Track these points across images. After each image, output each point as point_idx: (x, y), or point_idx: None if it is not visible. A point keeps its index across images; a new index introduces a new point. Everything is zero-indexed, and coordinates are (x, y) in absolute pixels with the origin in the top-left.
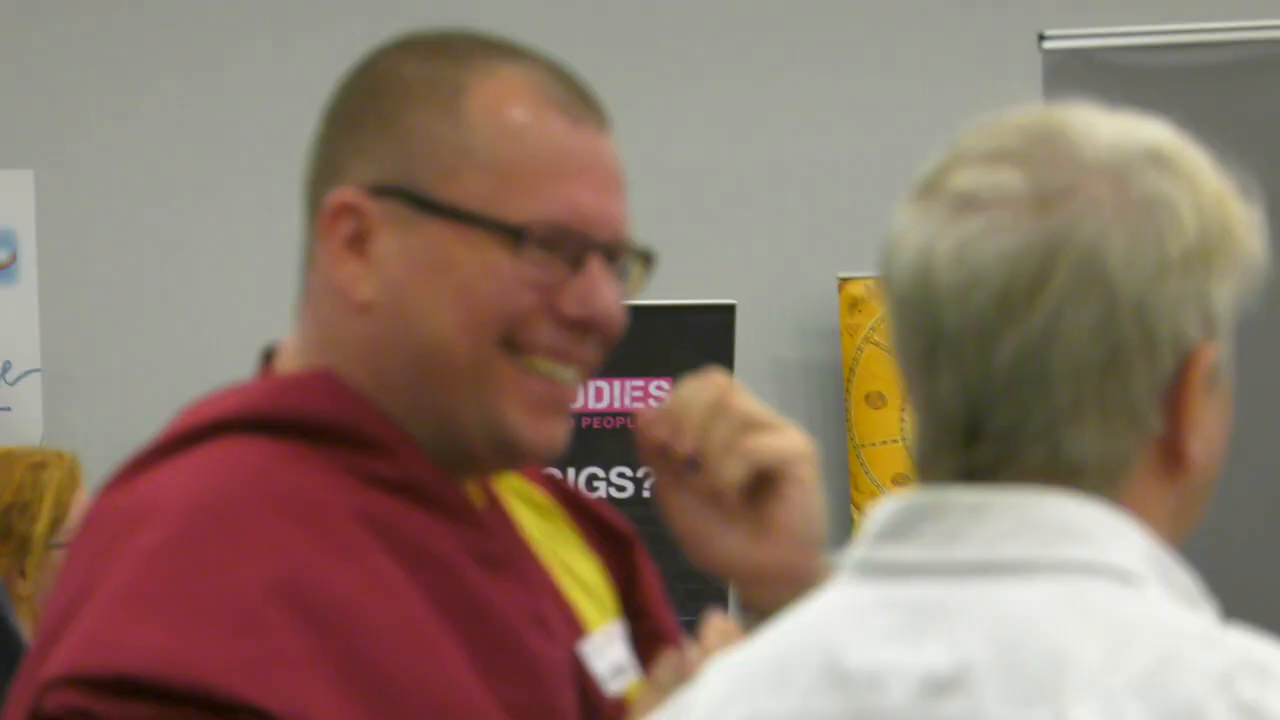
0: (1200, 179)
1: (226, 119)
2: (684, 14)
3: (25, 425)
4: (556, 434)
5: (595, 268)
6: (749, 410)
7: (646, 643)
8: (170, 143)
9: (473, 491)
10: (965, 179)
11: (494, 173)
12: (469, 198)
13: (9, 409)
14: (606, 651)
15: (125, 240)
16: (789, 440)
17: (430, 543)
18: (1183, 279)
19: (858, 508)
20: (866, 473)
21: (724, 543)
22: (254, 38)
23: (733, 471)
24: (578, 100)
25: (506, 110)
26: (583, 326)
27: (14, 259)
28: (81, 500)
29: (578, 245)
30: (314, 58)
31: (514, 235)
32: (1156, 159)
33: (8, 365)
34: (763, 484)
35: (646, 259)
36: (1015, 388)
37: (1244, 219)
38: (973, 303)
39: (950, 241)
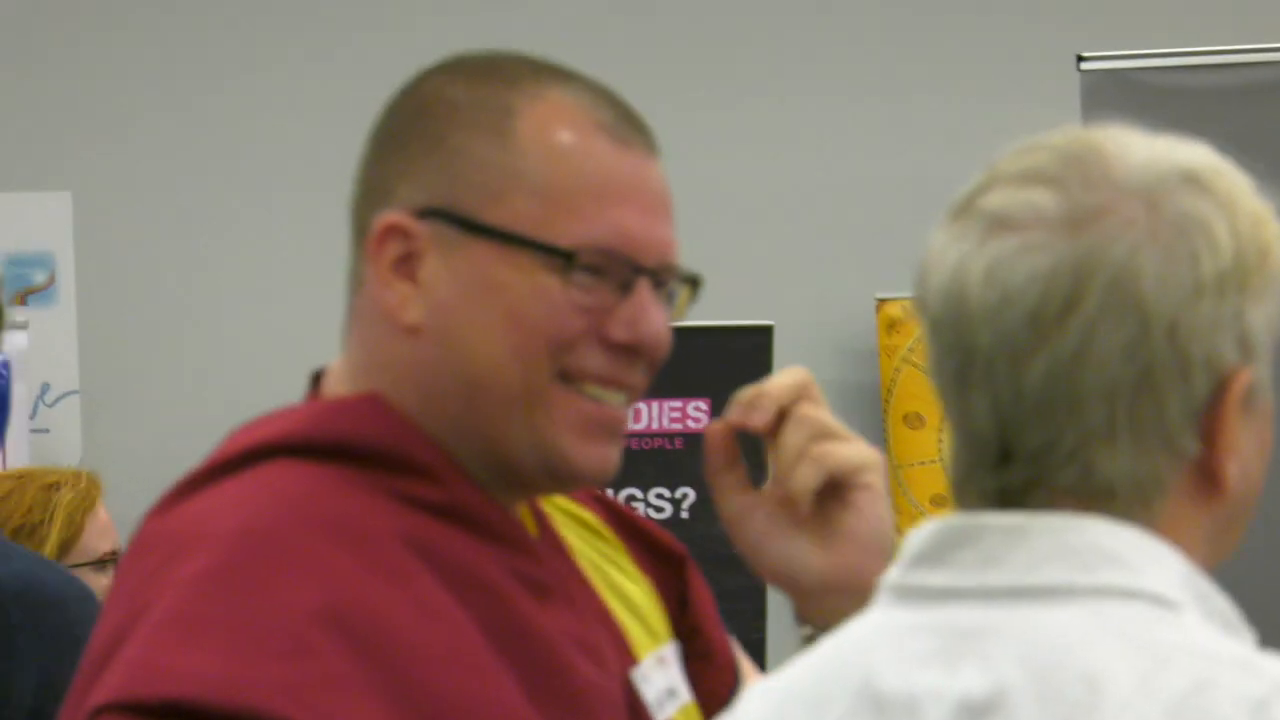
0: (1237, 201)
1: (265, 141)
2: (722, 35)
3: (63, 447)
4: (609, 458)
5: (643, 292)
6: (821, 418)
7: (698, 662)
8: (208, 164)
9: (523, 515)
10: (999, 199)
11: (542, 196)
12: (517, 221)
13: (47, 430)
14: (656, 677)
15: (163, 262)
16: (859, 449)
17: (478, 568)
18: (1217, 301)
19: (896, 528)
20: (905, 493)
21: (791, 553)
22: (293, 59)
23: (806, 477)
24: (626, 124)
25: (555, 134)
26: (630, 351)
27: (52, 281)
28: (100, 519)
29: (626, 269)
30: (354, 79)
31: (563, 259)
32: (1192, 180)
33: (46, 387)
34: (832, 492)
35: (693, 283)
36: (1046, 408)
37: None
38: (1004, 322)
39: (983, 261)
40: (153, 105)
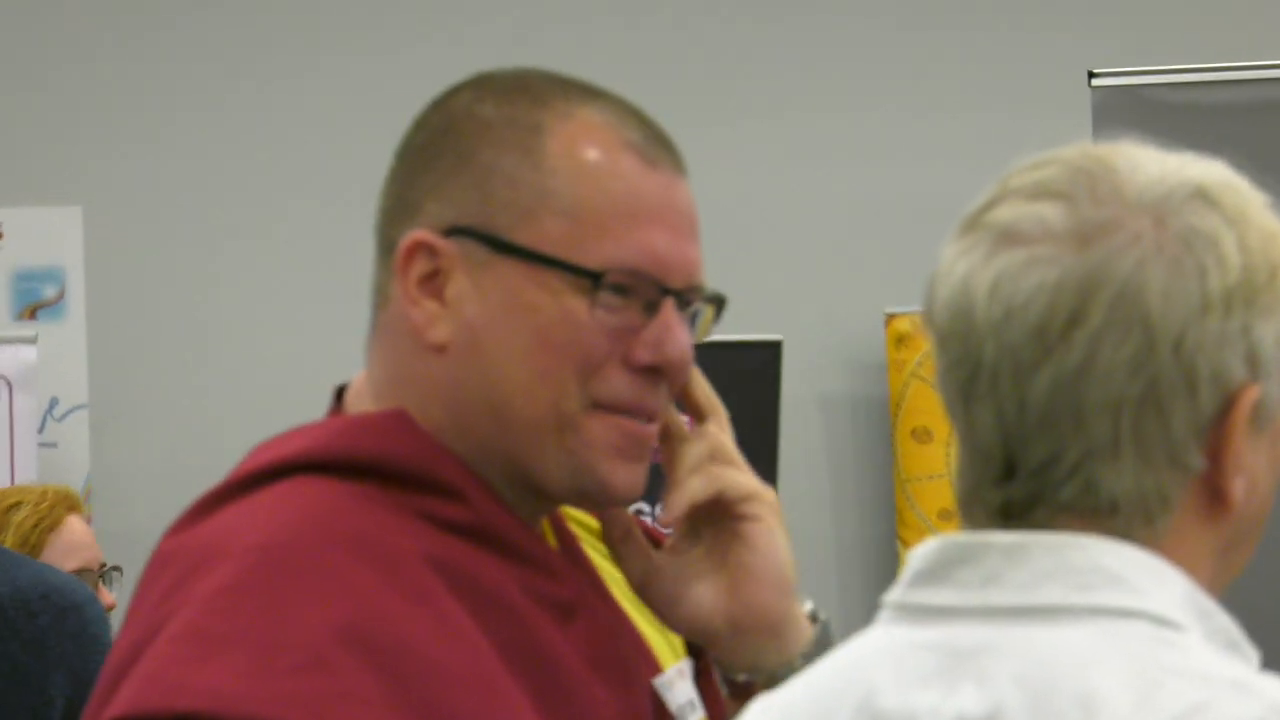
0: (1247, 216)
1: (276, 156)
2: (732, 50)
3: (72, 461)
4: (640, 476)
5: (669, 313)
6: (725, 442)
7: (706, 677)
8: (218, 178)
9: (547, 533)
10: (1007, 213)
11: (572, 216)
12: (545, 240)
13: (55, 445)
14: (679, 687)
15: (173, 276)
16: (753, 480)
17: (498, 589)
18: (1225, 317)
19: (904, 542)
20: (912, 507)
21: (699, 601)
22: (305, 74)
23: (696, 489)
24: (655, 143)
25: (584, 153)
26: (654, 372)
27: (62, 295)
28: (66, 537)
29: (653, 290)
30: (366, 93)
31: (591, 280)
32: (1201, 196)
33: (55, 401)
34: (723, 525)
35: (718, 303)
36: (1051, 422)
37: None
38: (1009, 335)
39: (990, 274)
40: (163, 120)
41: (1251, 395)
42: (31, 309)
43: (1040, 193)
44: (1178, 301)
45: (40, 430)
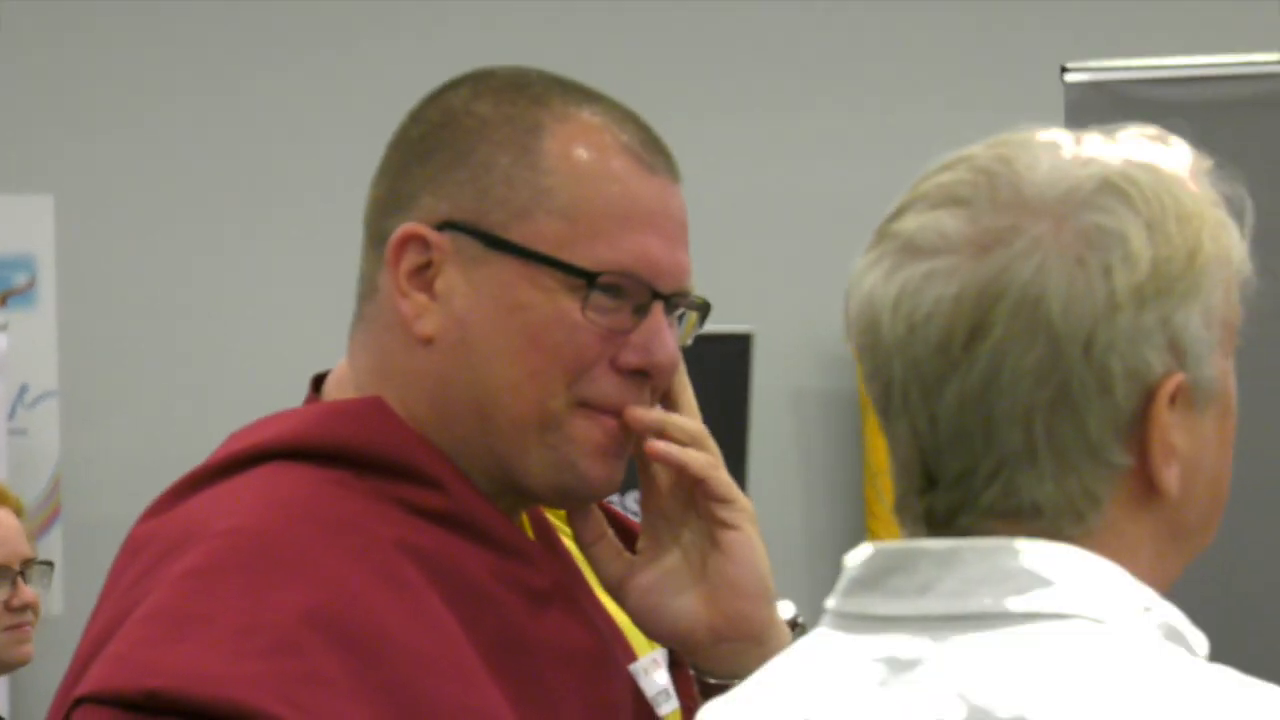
0: (1162, 201)
1: (246, 145)
2: (708, 44)
3: (41, 448)
4: (619, 473)
5: (658, 317)
6: (716, 448)
7: (681, 670)
8: (190, 167)
9: (524, 525)
10: (911, 222)
11: (568, 217)
12: (540, 240)
13: (25, 432)
14: (654, 675)
15: (144, 265)
16: (736, 487)
17: (473, 576)
18: (1137, 312)
19: (873, 535)
20: (881, 500)
21: (679, 609)
22: (274, 64)
23: (695, 459)
24: (652, 148)
25: (583, 155)
26: (641, 374)
27: (33, 283)
28: None
29: (644, 293)
30: (336, 85)
31: (586, 280)
32: (1108, 188)
33: (25, 388)
34: (700, 535)
35: (703, 310)
36: (963, 435)
37: (1222, 239)
38: (915, 351)
39: (893, 289)
40: (135, 109)
41: (1171, 385)
42: (2, 296)
43: (942, 199)
44: (1082, 304)
45: (10, 417)
